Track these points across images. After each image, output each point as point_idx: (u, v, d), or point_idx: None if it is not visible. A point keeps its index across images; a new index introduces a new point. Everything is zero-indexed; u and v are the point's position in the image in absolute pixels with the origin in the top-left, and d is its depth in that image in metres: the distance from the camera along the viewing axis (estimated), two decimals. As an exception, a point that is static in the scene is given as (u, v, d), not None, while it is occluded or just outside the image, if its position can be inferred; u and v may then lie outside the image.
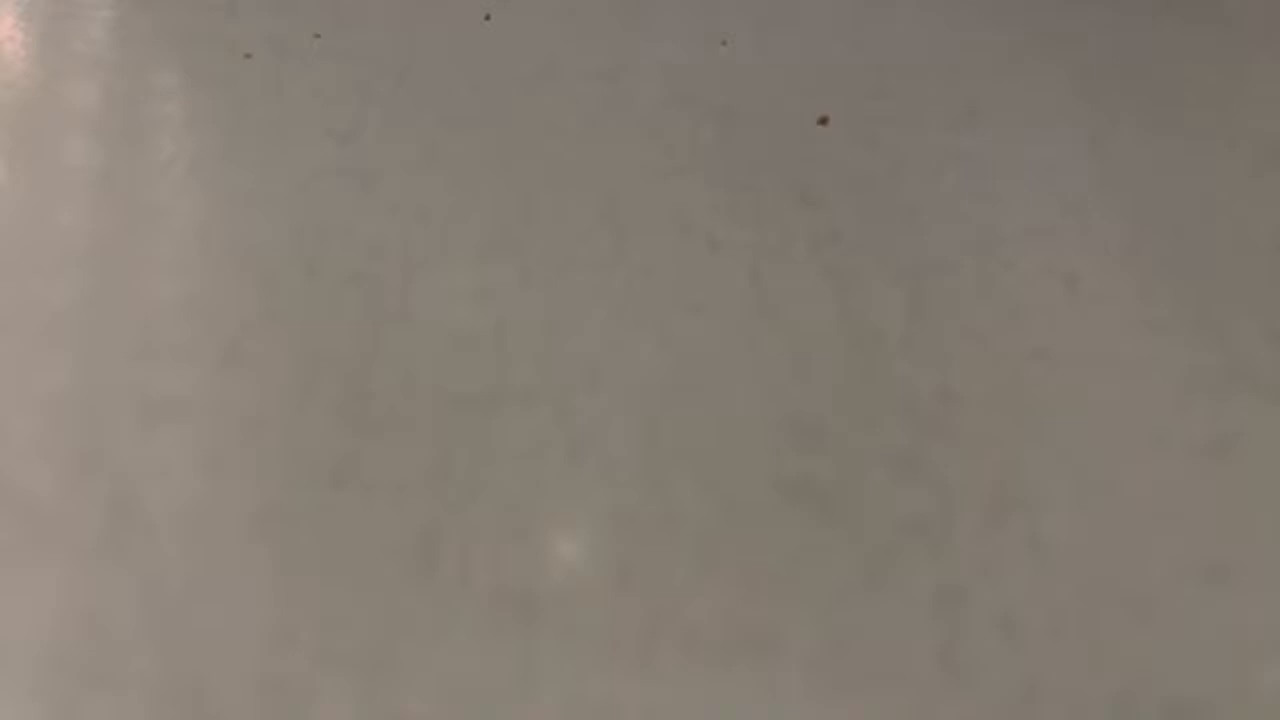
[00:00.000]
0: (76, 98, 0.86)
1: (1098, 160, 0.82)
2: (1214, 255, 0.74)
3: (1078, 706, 0.50)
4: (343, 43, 0.92)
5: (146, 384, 0.62)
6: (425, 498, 0.57)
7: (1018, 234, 0.75)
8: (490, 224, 0.74)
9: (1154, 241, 0.75)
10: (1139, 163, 0.82)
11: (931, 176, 0.80)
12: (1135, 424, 0.62)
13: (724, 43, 0.94)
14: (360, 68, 0.89)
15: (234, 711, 0.48)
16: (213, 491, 0.57)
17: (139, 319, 0.66)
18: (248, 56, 0.90)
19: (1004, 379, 0.64)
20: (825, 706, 0.50)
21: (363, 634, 0.51)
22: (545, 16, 0.97)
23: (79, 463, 0.58)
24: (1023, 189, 0.80)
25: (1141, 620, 0.53)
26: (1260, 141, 0.85)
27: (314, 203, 0.75)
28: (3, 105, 0.85)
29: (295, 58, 0.90)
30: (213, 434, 0.60)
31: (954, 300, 0.70)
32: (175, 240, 0.73)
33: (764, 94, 0.88)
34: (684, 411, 0.62)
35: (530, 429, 0.60)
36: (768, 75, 0.91)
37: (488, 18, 0.96)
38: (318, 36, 0.92)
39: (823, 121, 0.84)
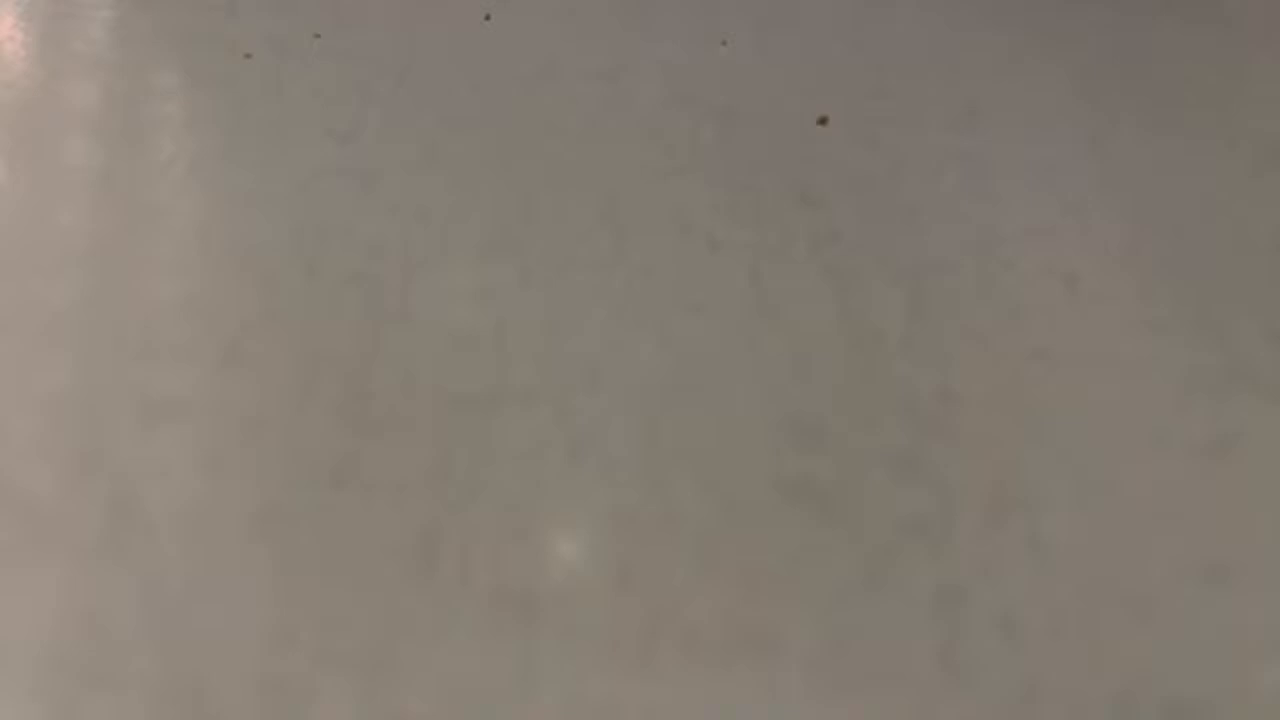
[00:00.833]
0: (76, 98, 0.86)
1: (1098, 160, 0.82)
2: (1214, 255, 0.74)
3: (1078, 706, 0.50)
4: (343, 43, 0.92)
5: (146, 384, 0.62)
6: (425, 498, 0.57)
7: (1018, 234, 0.75)
8: (490, 224, 0.74)
9: (1154, 241, 0.75)
10: (1139, 163, 0.82)
11: (931, 176, 0.80)
12: (1135, 424, 0.62)
13: (724, 43, 0.94)
14: (360, 68, 0.89)
15: (234, 711, 0.48)
16: (213, 491, 0.57)
17: (139, 319, 0.66)
18: (248, 56, 0.90)
19: (1004, 379, 0.64)
20: (825, 706, 0.50)
21: (363, 634, 0.51)
22: (545, 16, 0.97)
23: (79, 463, 0.58)
24: (1023, 189, 0.80)
25: (1141, 620, 0.53)
26: (1260, 141, 0.85)
27: (314, 203, 0.75)
28: (3, 105, 0.85)
29: (295, 58, 0.90)
30: (213, 434, 0.60)
31: (954, 300, 0.70)
32: (175, 240, 0.73)
33: (764, 94, 0.88)
34: (684, 411, 0.62)
35: (530, 429, 0.60)
36: (768, 75, 0.91)
37: (488, 18, 0.96)
38: (318, 36, 0.92)
39: (822, 121, 0.84)
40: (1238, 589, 0.54)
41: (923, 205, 0.78)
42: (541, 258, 0.71)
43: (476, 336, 0.66)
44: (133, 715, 0.48)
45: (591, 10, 0.98)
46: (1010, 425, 0.62)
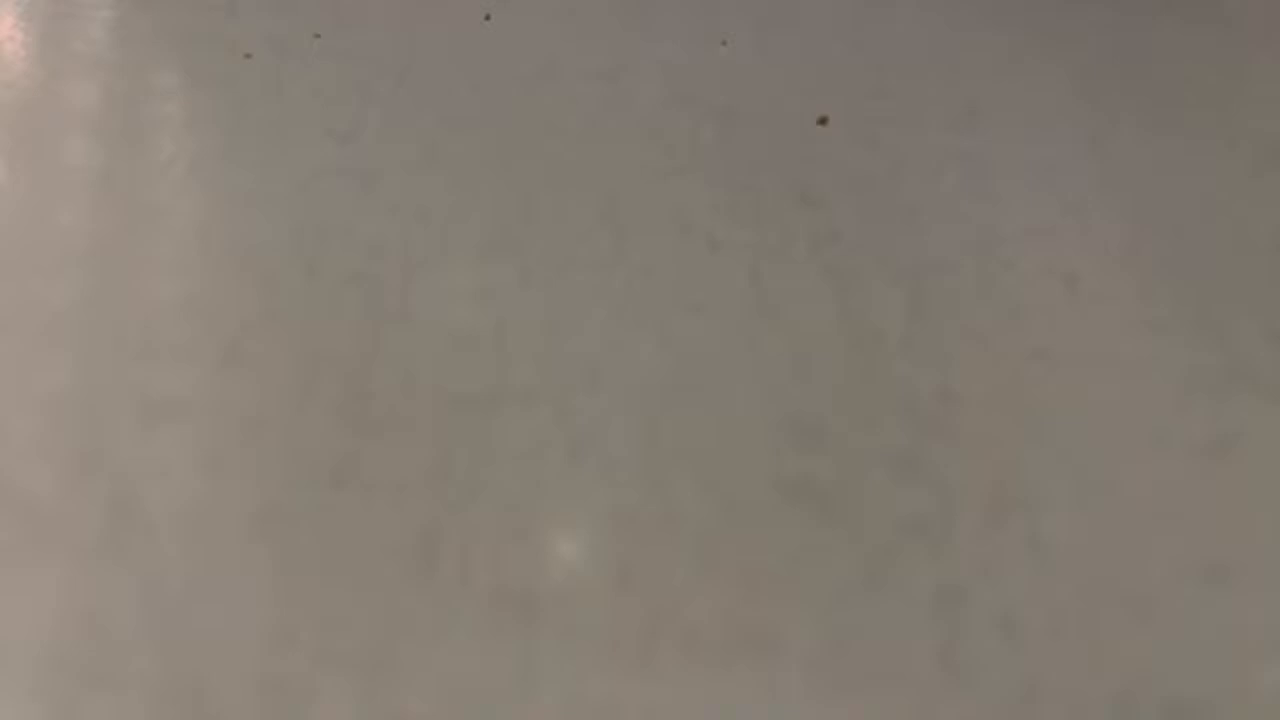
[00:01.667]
0: (76, 98, 0.86)
1: (1098, 160, 0.82)
2: (1214, 255, 0.74)
3: (1078, 706, 0.50)
4: (343, 43, 0.92)
5: (146, 384, 0.62)
6: (425, 498, 0.57)
7: (1018, 234, 0.75)
8: (490, 224, 0.74)
9: (1154, 241, 0.75)
10: (1139, 163, 0.82)
11: (931, 176, 0.80)
12: (1135, 424, 0.62)
13: (724, 43, 0.94)
14: (360, 68, 0.89)
15: (234, 711, 0.48)
16: (213, 491, 0.57)
17: (139, 319, 0.66)
18: (248, 56, 0.90)
19: (1004, 379, 0.64)
20: (825, 706, 0.50)
21: (363, 634, 0.51)
22: (545, 16, 0.97)
23: (79, 463, 0.58)
24: (1023, 189, 0.80)
25: (1141, 620, 0.53)
26: (1260, 141, 0.85)
27: (314, 203, 0.75)
28: (3, 105, 0.85)
29: (295, 58, 0.90)
30: (213, 434, 0.60)
31: (954, 300, 0.70)
32: (175, 240, 0.73)
33: (764, 94, 0.88)
34: (684, 411, 0.62)
35: (530, 429, 0.60)
36: (768, 75, 0.91)
37: (488, 18, 0.96)
38: (318, 36, 0.92)
39: (822, 121, 0.84)
40: (1238, 589, 0.54)
41: (923, 205, 0.78)
42: (541, 258, 0.71)
43: (476, 336, 0.66)
44: (133, 715, 0.48)
45: (591, 10, 0.98)
46: (1010, 425, 0.62)
